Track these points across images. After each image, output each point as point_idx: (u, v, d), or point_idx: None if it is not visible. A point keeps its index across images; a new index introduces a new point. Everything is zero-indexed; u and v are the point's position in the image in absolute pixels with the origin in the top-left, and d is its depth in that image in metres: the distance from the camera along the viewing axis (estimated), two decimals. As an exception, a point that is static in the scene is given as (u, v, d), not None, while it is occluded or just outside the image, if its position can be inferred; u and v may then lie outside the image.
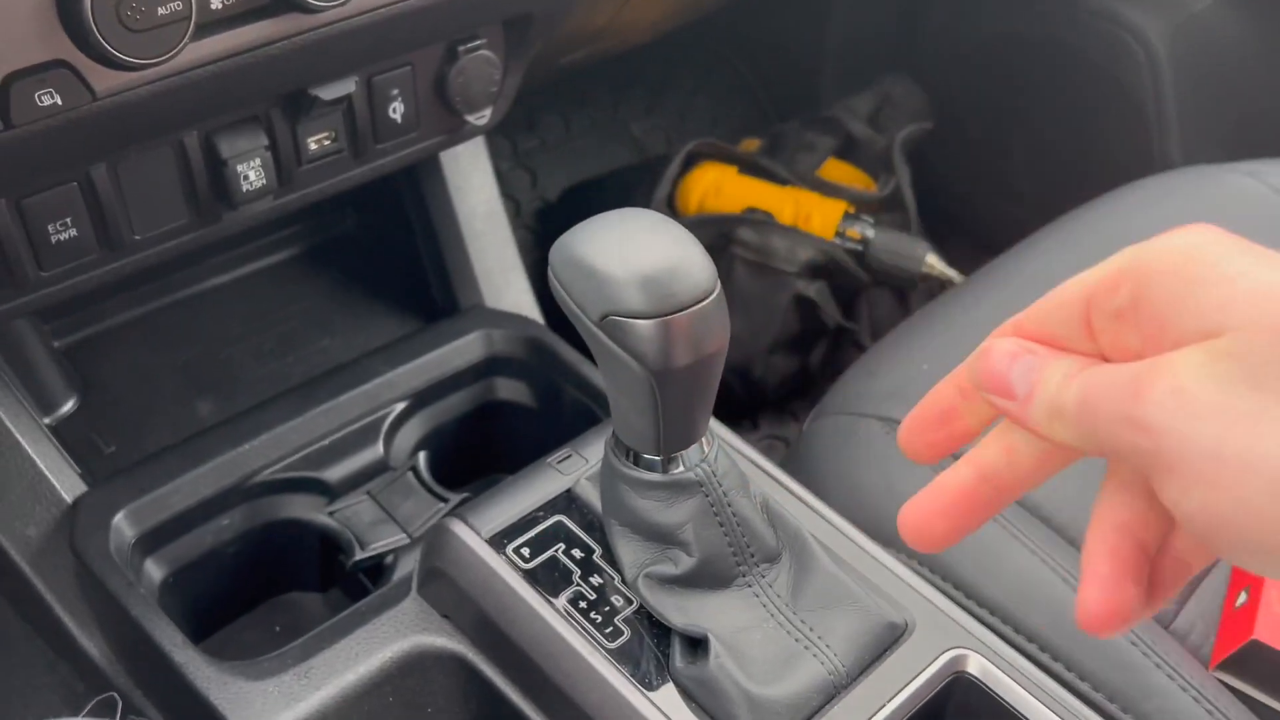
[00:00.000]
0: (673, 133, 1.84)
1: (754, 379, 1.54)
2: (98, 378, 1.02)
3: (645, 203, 1.55)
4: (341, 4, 0.74)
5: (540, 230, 1.73)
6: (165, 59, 0.67)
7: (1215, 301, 0.38)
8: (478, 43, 0.89)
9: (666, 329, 0.62)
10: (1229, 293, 0.38)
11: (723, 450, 0.71)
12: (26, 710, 0.99)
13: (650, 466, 0.69)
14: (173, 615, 0.87)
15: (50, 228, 0.75)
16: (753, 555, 0.70)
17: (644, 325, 0.62)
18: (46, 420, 0.95)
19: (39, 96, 0.66)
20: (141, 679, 0.84)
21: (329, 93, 0.81)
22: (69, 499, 0.88)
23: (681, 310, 0.62)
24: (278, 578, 0.96)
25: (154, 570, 0.88)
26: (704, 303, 0.63)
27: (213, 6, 0.70)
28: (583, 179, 1.72)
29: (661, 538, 0.70)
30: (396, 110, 0.88)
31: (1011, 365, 0.44)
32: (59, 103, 0.66)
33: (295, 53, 0.75)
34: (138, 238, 0.80)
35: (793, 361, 1.56)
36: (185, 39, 0.68)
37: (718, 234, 1.51)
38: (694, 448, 0.69)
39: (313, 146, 0.85)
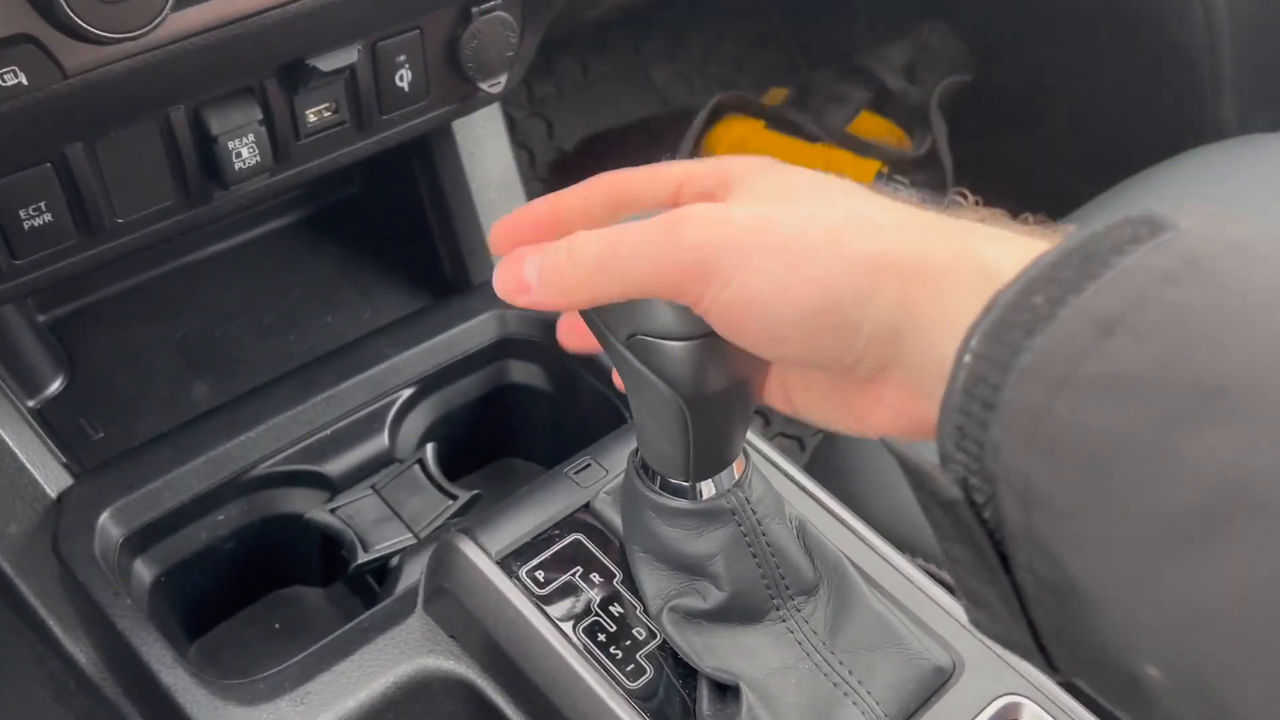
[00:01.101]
0: (696, 80, 1.76)
1: (777, 346, 1.48)
2: (85, 354, 0.96)
3: (669, 158, 1.47)
4: (342, -33, 0.66)
5: (555, 184, 1.65)
6: (144, 32, 0.60)
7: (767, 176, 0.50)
8: (493, 3, 0.81)
9: (699, 351, 0.55)
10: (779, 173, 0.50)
11: (758, 472, 0.64)
12: (18, 703, 0.95)
13: (678, 492, 0.63)
14: (165, 615, 0.82)
15: (22, 213, 0.68)
16: (788, 588, 0.64)
17: (675, 347, 0.55)
18: (30, 403, 0.90)
19: (1, 76, 0.59)
20: (130, 691, 0.80)
21: (329, 63, 0.74)
22: (53, 494, 0.82)
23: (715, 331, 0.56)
24: (277, 573, 0.91)
25: (144, 571, 0.82)
26: None
27: (197, -29, 0.63)
28: (602, 129, 1.64)
29: (689, 568, 0.64)
30: (404, 78, 0.80)
31: (520, 267, 0.53)
32: (24, 82, 0.59)
33: (291, 21, 0.68)
34: (120, 221, 0.73)
35: (818, 328, 1.50)
36: (166, 9, 0.60)
37: (743, 194, 1.43)
38: (726, 471, 0.63)
39: (311, 119, 0.78)
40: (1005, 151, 1.64)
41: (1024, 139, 1.62)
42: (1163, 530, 0.33)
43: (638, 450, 0.64)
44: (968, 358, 0.39)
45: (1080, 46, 1.54)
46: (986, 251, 0.42)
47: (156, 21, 0.60)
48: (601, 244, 0.50)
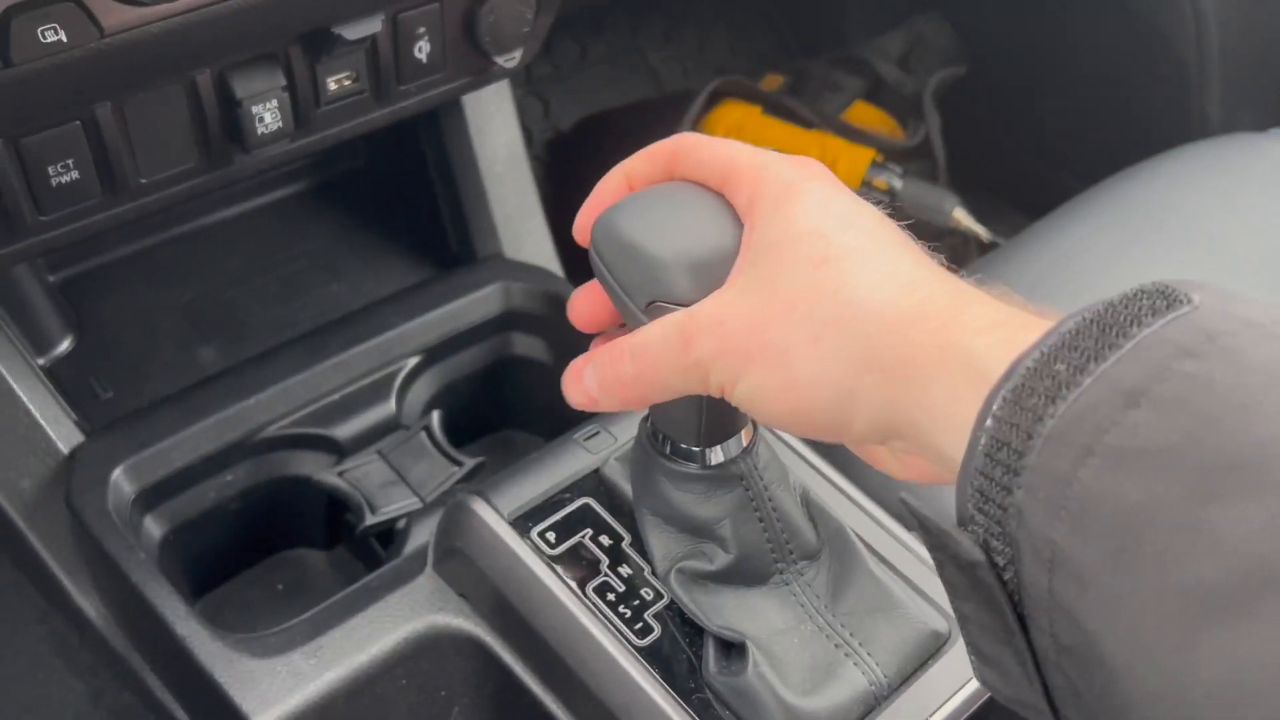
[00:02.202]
0: (691, 64, 1.77)
1: (767, 329, 1.50)
2: (95, 315, 0.97)
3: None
4: (371, -63, 0.68)
5: (551, 161, 1.66)
6: (180, -6, 0.62)
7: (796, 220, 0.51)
8: (511, -21, 0.83)
9: (719, 319, 0.57)
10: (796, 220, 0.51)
11: (764, 441, 0.67)
12: (16, 659, 0.96)
13: (688, 456, 0.65)
14: (172, 572, 0.84)
15: (50, 169, 0.69)
16: (791, 552, 0.67)
17: (695, 314, 0.57)
18: (41, 361, 0.91)
19: (42, 33, 0.60)
20: (140, 643, 0.81)
21: (354, 31, 0.75)
22: (65, 450, 0.83)
23: None
24: (282, 535, 0.92)
25: (153, 527, 0.84)
26: None
27: (232, -63, 0.64)
28: (598, 110, 1.66)
29: (696, 531, 0.66)
30: (422, 50, 0.82)
31: (581, 383, 0.58)
32: (64, 40, 0.61)
33: (320, -11, 0.69)
34: (143, 181, 0.74)
35: (808, 312, 1.52)
36: (202, -28, 0.62)
37: (739, 178, 1.45)
38: (735, 438, 0.65)
39: (332, 87, 0.79)
40: (996, 143, 1.66)
41: (1015, 131, 1.65)
42: (1193, 602, 0.33)
43: (649, 417, 0.66)
44: (989, 422, 0.39)
45: (1071, 42, 1.56)
46: (975, 347, 0.43)
47: (193, -16, 0.62)
48: (637, 365, 0.54)
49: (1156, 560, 0.34)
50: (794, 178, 0.52)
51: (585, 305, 0.62)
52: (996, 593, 0.39)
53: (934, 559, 0.42)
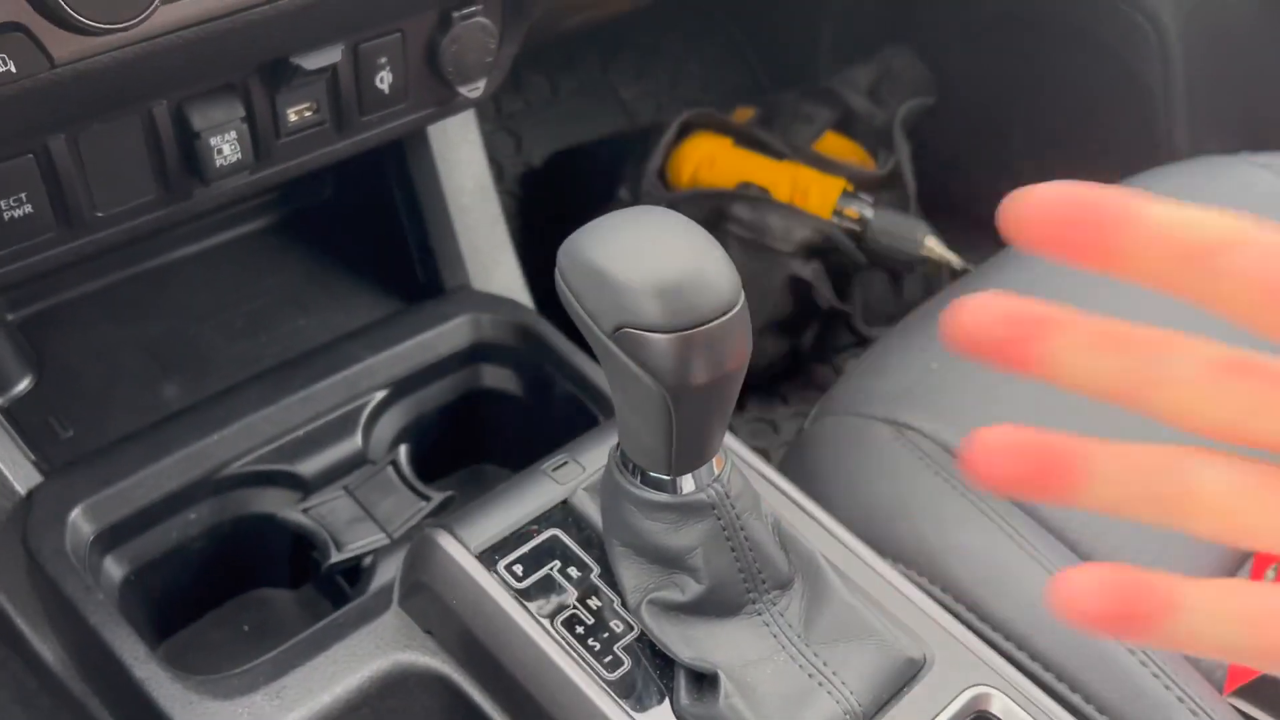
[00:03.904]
0: (663, 99, 1.78)
1: (742, 360, 1.49)
2: (55, 354, 0.95)
3: (637, 173, 1.49)
4: (329, -34, 0.67)
5: (524, 196, 1.66)
6: (133, 24, 0.61)
7: None
8: (473, 9, 0.82)
9: (685, 345, 0.57)
10: None
11: (736, 469, 0.66)
12: (-25, 706, 0.94)
13: (658, 485, 0.64)
14: (134, 614, 0.82)
15: (2, 204, 0.68)
16: (764, 582, 0.65)
17: (661, 340, 0.56)
18: (-1, 401, 0.89)
19: (-10, 63, 0.59)
20: (99, 687, 0.79)
21: (312, 62, 0.74)
22: (22, 490, 0.81)
23: (702, 325, 0.57)
24: (246, 574, 0.90)
25: (114, 568, 0.82)
26: (726, 317, 0.57)
27: (187, -35, 0.63)
28: (570, 144, 1.66)
29: (668, 562, 0.65)
30: (384, 80, 0.81)
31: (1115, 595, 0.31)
32: (13, 70, 0.60)
33: (278, 18, 0.69)
34: (100, 215, 0.73)
35: (783, 343, 1.51)
36: (156, 2, 0.61)
37: (712, 209, 1.45)
38: (706, 467, 0.64)
39: (292, 118, 0.78)
40: (966, 172, 1.67)
41: (985, 159, 1.66)
42: None
43: (619, 444, 0.65)
44: None
45: (1038, 73, 1.58)
46: None
47: (145, 14, 0.61)
48: None
49: None
50: None
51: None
52: None
53: None
